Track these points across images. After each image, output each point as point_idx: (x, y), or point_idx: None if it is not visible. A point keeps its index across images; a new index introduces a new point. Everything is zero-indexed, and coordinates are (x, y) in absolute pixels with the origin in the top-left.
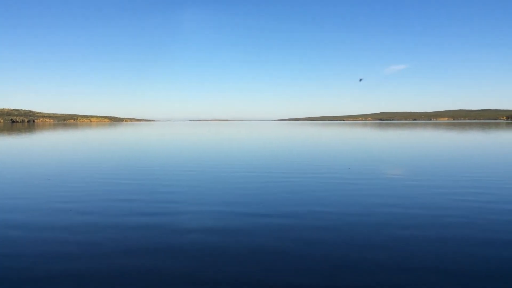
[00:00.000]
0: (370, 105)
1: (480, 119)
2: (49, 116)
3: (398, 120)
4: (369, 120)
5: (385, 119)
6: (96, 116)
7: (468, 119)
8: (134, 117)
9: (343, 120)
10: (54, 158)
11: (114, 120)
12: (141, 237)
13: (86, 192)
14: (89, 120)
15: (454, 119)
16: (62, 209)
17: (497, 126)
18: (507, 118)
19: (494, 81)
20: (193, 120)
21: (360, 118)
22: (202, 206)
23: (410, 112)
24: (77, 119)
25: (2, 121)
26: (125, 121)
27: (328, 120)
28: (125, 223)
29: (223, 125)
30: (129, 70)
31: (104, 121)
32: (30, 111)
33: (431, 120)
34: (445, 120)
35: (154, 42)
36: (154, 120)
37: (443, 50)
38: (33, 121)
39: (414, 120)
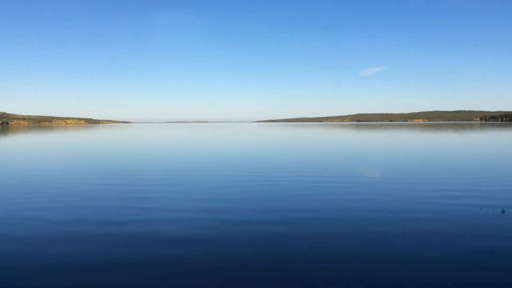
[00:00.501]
0: (347, 106)
1: (455, 120)
2: (24, 118)
3: (374, 121)
4: (347, 121)
5: (362, 120)
6: (72, 118)
7: (443, 120)
8: (111, 119)
9: (321, 121)
10: (27, 161)
11: (91, 122)
12: (111, 248)
13: (57, 198)
14: (64, 122)
15: (429, 120)
16: (30, 217)
17: (471, 127)
18: (481, 119)
19: (468, 83)
20: (172, 122)
21: (338, 120)
22: (179, 213)
23: (387, 114)
24: (52, 121)
25: None
26: (102, 123)
27: (307, 121)
28: (95, 232)
29: (202, 127)
30: (106, 71)
31: (80, 123)
32: (4, 113)
33: (407, 121)
34: (420, 121)
35: (131, 43)
36: (131, 122)
37: (418, 53)
38: (7, 123)
39: (391, 121)
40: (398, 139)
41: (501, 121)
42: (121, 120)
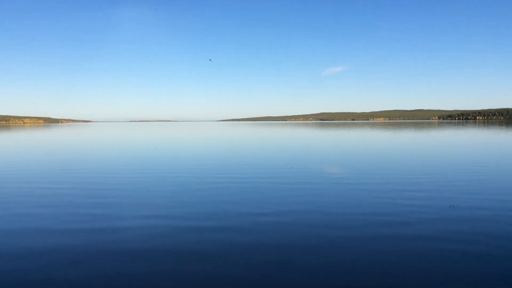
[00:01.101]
0: (311, 106)
1: (414, 119)
2: None
3: (337, 120)
4: (310, 120)
5: (325, 119)
6: (30, 117)
7: (403, 119)
8: (70, 118)
9: (286, 120)
10: None
11: (49, 121)
12: (58, 265)
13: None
14: (22, 122)
15: (389, 119)
16: None
17: (429, 125)
18: (439, 117)
19: (427, 83)
20: (134, 121)
21: (302, 119)
22: (140, 220)
23: (349, 113)
24: (9, 120)
25: None
26: (61, 122)
27: (271, 120)
28: (41, 245)
29: (165, 126)
30: (65, 69)
31: (39, 122)
32: None
33: (368, 120)
34: (381, 120)
35: (91, 40)
36: (92, 121)
37: (378, 52)
38: None
39: (353, 120)
40: (360, 138)
41: (457, 119)
42: (82, 119)
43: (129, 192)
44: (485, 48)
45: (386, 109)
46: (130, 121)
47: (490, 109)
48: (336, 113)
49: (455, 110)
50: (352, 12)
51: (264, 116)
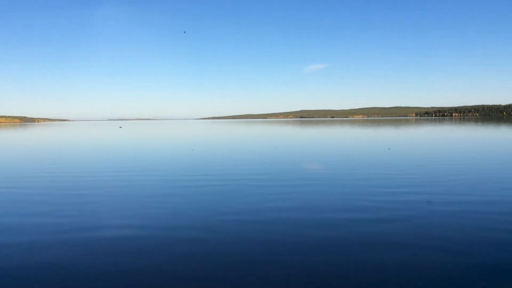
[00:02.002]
0: (291, 103)
1: (392, 116)
2: None
3: (317, 117)
4: (291, 117)
5: (305, 116)
6: (5, 117)
7: (381, 116)
8: (47, 117)
9: (266, 118)
10: None
11: (25, 121)
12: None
13: None
14: None
15: (368, 116)
16: None
17: (407, 122)
18: (416, 114)
19: (404, 80)
20: (113, 120)
21: (282, 116)
22: (118, 221)
23: (329, 110)
24: None
25: None
26: (37, 121)
27: (252, 118)
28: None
29: (144, 125)
30: (42, 67)
31: (14, 122)
32: None
33: (347, 117)
34: (360, 117)
35: (69, 38)
36: (69, 120)
37: (358, 51)
38: None
39: (332, 117)
40: (340, 135)
41: (434, 116)
42: (59, 118)
43: (105, 194)
44: (461, 47)
45: (365, 107)
46: (109, 120)
47: (466, 106)
48: (316, 110)
49: (432, 107)
50: (333, 10)
51: (244, 114)
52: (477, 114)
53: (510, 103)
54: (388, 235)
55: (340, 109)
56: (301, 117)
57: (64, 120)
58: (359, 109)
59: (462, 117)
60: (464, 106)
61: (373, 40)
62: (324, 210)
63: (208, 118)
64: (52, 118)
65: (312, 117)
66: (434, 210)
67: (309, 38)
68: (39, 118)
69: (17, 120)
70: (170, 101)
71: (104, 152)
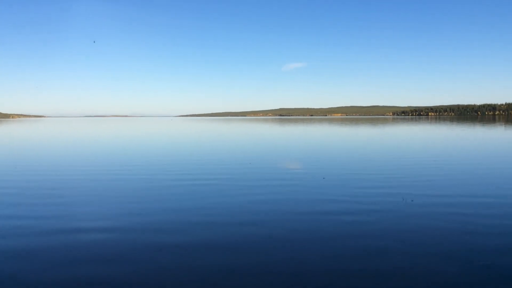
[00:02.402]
0: (270, 101)
1: (370, 115)
2: None
3: (296, 115)
4: (270, 115)
5: (284, 115)
6: None
7: (359, 115)
8: (22, 113)
9: (245, 115)
10: None
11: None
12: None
13: None
14: None
15: (347, 115)
16: None
17: (384, 121)
18: (393, 113)
19: (382, 80)
20: (90, 116)
21: (261, 114)
22: (95, 222)
23: (308, 108)
24: None
25: None
26: (12, 117)
27: (231, 116)
28: None
29: (122, 121)
30: (16, 61)
31: None
32: None
33: (326, 116)
34: (339, 115)
35: (44, 31)
36: (45, 116)
37: (337, 50)
38: None
39: (311, 115)
40: (319, 134)
41: (411, 115)
42: (34, 114)
43: (81, 194)
44: (437, 46)
45: (344, 105)
46: (86, 116)
47: (442, 106)
48: (295, 108)
49: (408, 107)
50: (312, 9)
51: (223, 111)
52: (453, 114)
53: (484, 103)
54: (368, 236)
55: (319, 107)
56: (281, 115)
57: (40, 116)
58: (338, 107)
59: (438, 116)
60: (440, 106)
61: (351, 40)
62: (303, 211)
63: (187, 116)
64: (27, 114)
65: (291, 115)
66: (413, 209)
67: (288, 36)
68: (14, 114)
69: None
70: (148, 98)
71: (81, 149)
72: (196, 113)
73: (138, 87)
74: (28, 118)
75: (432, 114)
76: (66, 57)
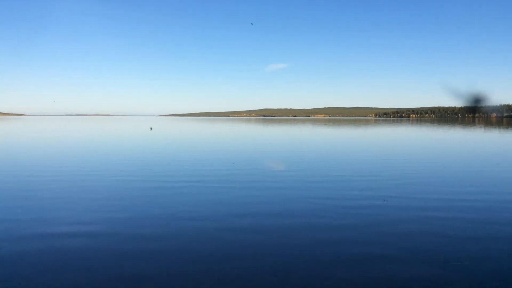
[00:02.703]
0: (254, 102)
1: (352, 116)
2: None
3: (280, 116)
4: (253, 116)
5: (268, 115)
6: None
7: (342, 116)
8: (1, 111)
9: (228, 116)
10: None
11: None
12: None
13: None
14: None
15: (329, 116)
16: None
17: (366, 122)
18: (375, 115)
19: (364, 82)
20: (70, 115)
21: (245, 114)
22: (70, 227)
23: (291, 109)
24: None
25: None
26: None
27: (214, 116)
28: None
29: (103, 120)
30: None
31: None
32: None
33: (309, 116)
34: (322, 116)
35: (24, 29)
36: (25, 115)
37: (320, 51)
38: None
39: (294, 116)
40: (302, 135)
41: (393, 117)
42: (14, 113)
43: (57, 196)
44: (419, 50)
45: (327, 106)
46: (66, 115)
47: (423, 108)
48: (278, 109)
49: (390, 108)
50: (295, 10)
51: (206, 111)
52: (433, 116)
53: (464, 105)
54: (351, 240)
55: (302, 108)
56: (264, 116)
57: (20, 114)
58: (320, 108)
59: (419, 118)
60: (421, 108)
61: (334, 41)
62: (283, 214)
63: (169, 115)
64: (6, 112)
65: (275, 116)
66: (392, 212)
67: (271, 37)
68: None
69: None
70: (131, 97)
71: (59, 149)
72: (179, 112)
73: (120, 86)
74: (7, 117)
75: (413, 115)
76: (48, 54)
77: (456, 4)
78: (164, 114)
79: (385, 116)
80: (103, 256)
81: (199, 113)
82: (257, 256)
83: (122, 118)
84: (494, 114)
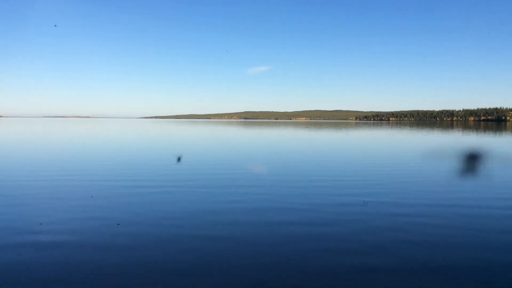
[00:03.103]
0: (235, 104)
1: (333, 119)
2: None
3: (261, 119)
4: (235, 118)
5: (249, 118)
6: None
7: (323, 119)
8: None
9: (210, 118)
10: None
11: None
12: None
13: None
14: None
15: (311, 119)
16: None
17: (347, 125)
18: (356, 118)
19: (345, 85)
20: (49, 117)
21: (226, 117)
22: (36, 236)
23: (273, 112)
24: None
25: None
26: None
27: (195, 118)
28: None
29: (83, 123)
30: None
31: None
32: None
33: (291, 119)
34: (303, 119)
35: (1, 28)
36: (1, 116)
37: (301, 54)
38: None
39: (276, 119)
40: (284, 138)
41: (373, 120)
42: None
43: (32, 200)
44: (397, 53)
45: (308, 109)
46: (45, 117)
47: (402, 111)
48: (260, 112)
49: (370, 112)
50: (276, 12)
51: (188, 114)
52: (412, 119)
53: (443, 109)
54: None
55: (284, 111)
56: (245, 118)
57: None
58: (302, 111)
59: (398, 121)
60: (400, 111)
61: (316, 44)
62: (264, 215)
63: (151, 117)
64: None
65: (256, 119)
66: (370, 217)
67: (252, 40)
68: None
69: None
70: (110, 99)
71: (31, 152)
72: (160, 115)
73: (100, 87)
74: None
75: (393, 119)
76: (25, 55)
77: (436, 8)
78: (145, 116)
79: (365, 119)
80: (70, 271)
81: (180, 115)
82: (236, 268)
83: (102, 121)
84: (472, 118)
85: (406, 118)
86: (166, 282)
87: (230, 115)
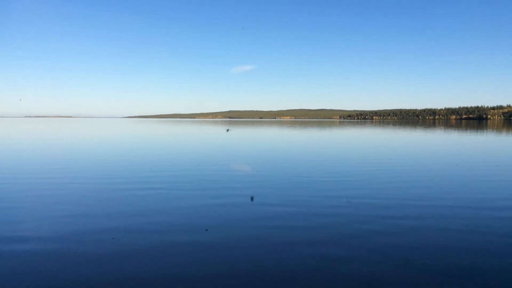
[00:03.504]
0: (220, 103)
1: (318, 118)
2: None
3: (246, 118)
4: (220, 118)
5: (234, 117)
6: None
7: (308, 118)
8: None
9: (195, 117)
10: None
11: None
12: None
13: None
14: None
15: (295, 118)
16: None
17: (331, 124)
18: (340, 117)
19: (329, 84)
20: (30, 117)
21: (211, 116)
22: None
23: (257, 111)
24: None
25: None
26: None
27: (179, 118)
28: None
29: (64, 122)
30: None
31: None
32: None
33: (276, 118)
34: (288, 118)
35: None
36: None
37: (285, 53)
38: None
39: (261, 118)
40: (266, 136)
41: (356, 119)
42: None
43: (14, 199)
44: (381, 52)
45: (293, 108)
46: (26, 117)
47: (386, 110)
48: (244, 111)
49: (354, 110)
50: (261, 11)
51: (172, 113)
52: (395, 118)
53: (425, 108)
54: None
55: (268, 110)
56: (230, 117)
57: None
58: (287, 110)
59: (382, 120)
60: (383, 110)
61: (300, 42)
62: (253, 217)
63: (134, 117)
64: None
65: (241, 118)
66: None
67: (237, 39)
68: None
69: None
70: (93, 98)
71: (18, 152)
72: (144, 114)
73: (82, 86)
74: None
75: (377, 118)
76: (7, 54)
77: (424, 9)
78: (128, 115)
79: (349, 118)
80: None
81: (164, 115)
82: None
83: (84, 120)
84: (453, 116)
85: (389, 117)
86: None
87: (214, 115)
